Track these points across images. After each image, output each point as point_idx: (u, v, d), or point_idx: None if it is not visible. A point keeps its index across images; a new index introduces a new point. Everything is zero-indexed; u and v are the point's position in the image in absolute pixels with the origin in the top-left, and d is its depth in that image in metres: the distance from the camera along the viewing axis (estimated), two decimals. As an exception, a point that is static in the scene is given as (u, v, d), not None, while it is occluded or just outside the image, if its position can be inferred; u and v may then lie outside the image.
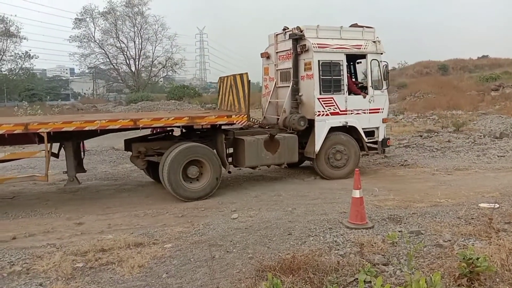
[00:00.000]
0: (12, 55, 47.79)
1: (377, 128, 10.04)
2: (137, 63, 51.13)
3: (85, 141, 8.84)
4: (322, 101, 9.35)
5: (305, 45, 9.35)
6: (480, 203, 6.97)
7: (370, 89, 9.93)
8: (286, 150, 8.98)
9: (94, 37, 49.26)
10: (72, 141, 8.05)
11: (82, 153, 8.72)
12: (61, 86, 69.00)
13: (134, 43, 50.51)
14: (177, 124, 8.26)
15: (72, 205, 7.93)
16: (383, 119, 10.13)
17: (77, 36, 48.40)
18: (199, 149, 8.13)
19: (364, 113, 9.81)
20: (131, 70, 51.66)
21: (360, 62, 10.60)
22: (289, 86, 9.76)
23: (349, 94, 9.68)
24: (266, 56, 11.07)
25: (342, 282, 4.25)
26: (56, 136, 7.53)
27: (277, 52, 10.59)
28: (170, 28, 55.92)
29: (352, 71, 10.89)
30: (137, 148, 8.28)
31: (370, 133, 10.02)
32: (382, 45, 10.03)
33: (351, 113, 9.65)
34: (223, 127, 8.84)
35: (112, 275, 4.72)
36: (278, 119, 10.09)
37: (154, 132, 9.24)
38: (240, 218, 6.74)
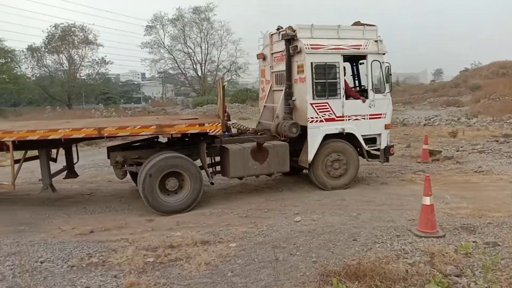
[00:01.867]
0: (89, 61, 51.36)
1: (379, 135, 9.19)
2: (203, 67, 52.97)
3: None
4: (316, 106, 8.58)
5: (297, 46, 8.63)
6: None
7: (370, 93, 9.08)
8: (275, 159, 8.36)
9: (163, 43, 51.83)
10: (46, 149, 7.84)
11: (76, 158, 8.82)
12: (133, 90, 73.05)
13: (201, 48, 52.44)
14: (144, 133, 7.74)
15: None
16: (385, 125, 9.25)
17: (148, 43, 51.25)
18: (177, 161, 7.59)
19: (364, 118, 8.98)
20: (197, 74, 53.69)
21: (363, 63, 9.61)
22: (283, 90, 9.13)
23: (347, 99, 8.91)
24: (262, 57, 10.41)
25: (411, 291, 4.10)
26: (25, 145, 7.48)
27: (272, 53, 9.93)
28: (235, 33, 57.30)
29: (356, 73, 10.15)
30: (114, 157, 7.88)
31: (371, 140, 9.21)
32: (385, 45, 9.14)
33: (348, 119, 8.85)
34: (211, 134, 8.03)
35: (180, 271, 4.92)
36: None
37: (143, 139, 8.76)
38: (303, 221, 6.72)
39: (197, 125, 7.76)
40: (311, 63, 8.50)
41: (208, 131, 7.77)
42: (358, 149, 9.13)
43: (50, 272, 4.96)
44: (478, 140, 15.29)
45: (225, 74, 54.57)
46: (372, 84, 9.12)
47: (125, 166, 7.95)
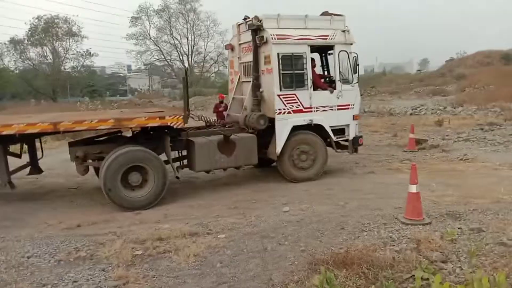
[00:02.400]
0: (74, 54, 50.59)
1: (348, 125, 9.14)
2: (190, 59, 52.52)
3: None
4: (283, 98, 8.47)
5: (263, 36, 8.47)
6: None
7: (338, 84, 8.98)
8: (243, 152, 8.25)
9: (149, 34, 51.26)
10: (3, 145, 7.57)
11: (40, 153, 8.60)
12: (119, 82, 72.21)
13: (187, 40, 52.04)
14: (102, 127, 7.52)
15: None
16: (354, 115, 9.17)
17: (134, 34, 50.77)
18: (140, 154, 7.38)
19: (332, 109, 8.91)
20: (184, 66, 53.19)
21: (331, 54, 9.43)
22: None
23: (314, 90, 8.82)
24: (230, 48, 10.22)
25: (398, 278, 4.16)
26: None
27: (240, 44, 9.74)
28: (221, 23, 56.87)
29: (325, 64, 10.05)
30: (74, 152, 7.61)
31: (340, 131, 9.17)
32: (352, 35, 9.02)
33: (316, 110, 8.76)
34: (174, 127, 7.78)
35: (169, 263, 4.91)
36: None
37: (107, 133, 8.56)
38: (291, 211, 6.75)
39: (158, 118, 7.55)
40: (278, 53, 8.36)
41: (169, 124, 7.53)
42: (328, 140, 9.06)
43: (37, 267, 4.90)
44: (464, 128, 15.49)
45: (212, 65, 54.36)
46: (340, 75, 9.02)
47: (87, 161, 7.70)
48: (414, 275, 4.12)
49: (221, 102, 11.95)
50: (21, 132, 7.15)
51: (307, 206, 6.95)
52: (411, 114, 21.95)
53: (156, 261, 4.98)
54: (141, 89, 69.14)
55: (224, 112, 10.70)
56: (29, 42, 47.51)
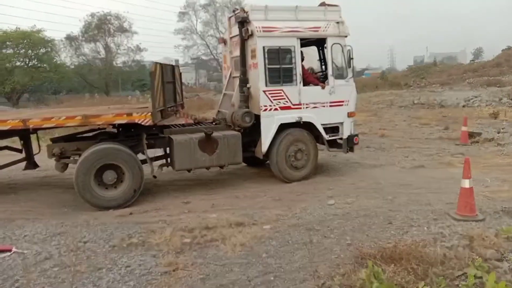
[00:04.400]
0: (125, 49, 52.33)
1: (342, 123, 8.60)
2: (235, 52, 52.83)
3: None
4: (269, 94, 8.01)
5: (248, 29, 8.04)
6: None
7: (330, 79, 8.45)
8: (226, 150, 7.86)
9: (196, 29, 52.08)
10: None
11: (37, 149, 8.58)
12: (167, 76, 73.94)
13: (233, 33, 52.20)
14: (69, 124, 7.33)
15: (179, 185, 8.58)
16: (348, 113, 8.61)
17: (181, 29, 51.72)
18: (114, 152, 7.16)
19: (324, 106, 8.38)
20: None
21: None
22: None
23: (305, 85, 8.34)
24: (222, 42, 9.81)
25: (449, 275, 4.04)
26: None
27: (231, 38, 9.28)
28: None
29: (322, 58, 9.47)
30: (51, 149, 7.44)
31: (334, 129, 8.65)
32: (347, 26, 8.44)
33: (306, 107, 8.27)
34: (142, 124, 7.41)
35: (216, 252, 5.04)
36: None
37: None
38: (337, 204, 6.68)
39: (125, 115, 7.31)
40: (263, 47, 7.90)
41: (136, 121, 7.26)
42: (324, 139, 8.61)
43: (93, 252, 5.19)
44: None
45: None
46: (333, 69, 8.51)
47: (63, 158, 7.54)
48: (466, 273, 3.99)
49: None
50: None
51: (353, 200, 6.86)
52: (463, 106, 20.96)
53: (204, 249, 5.13)
54: (188, 83, 70.64)
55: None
56: (83, 39, 49.63)
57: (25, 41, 39.47)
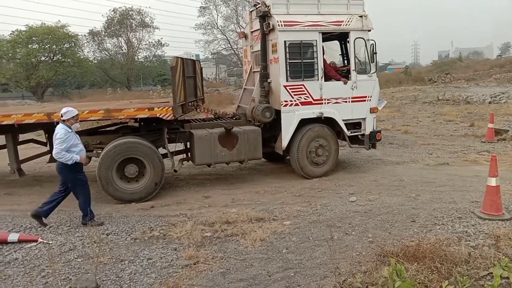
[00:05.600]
0: (146, 44, 52.89)
1: (364, 119, 8.46)
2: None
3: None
4: (290, 89, 7.91)
5: (269, 23, 7.93)
6: None
7: (353, 74, 8.30)
8: (246, 145, 7.81)
9: (216, 24, 52.08)
10: (12, 134, 7.75)
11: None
12: (188, 71, 74.40)
13: (253, 28, 52.07)
14: (92, 118, 7.43)
15: (200, 180, 8.63)
16: (371, 108, 8.45)
17: (202, 24, 51.69)
18: (136, 146, 7.17)
19: (346, 102, 8.27)
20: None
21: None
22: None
23: (326, 80, 8.19)
24: (243, 36, 9.75)
25: (474, 275, 3.95)
26: None
27: (252, 32, 9.20)
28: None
29: (345, 53, 9.26)
30: None
31: (355, 125, 8.53)
32: (370, 20, 8.25)
33: (328, 102, 8.15)
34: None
35: (237, 246, 5.05)
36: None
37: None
38: (358, 201, 6.61)
39: (147, 109, 7.36)
40: (285, 41, 7.80)
41: (157, 115, 7.29)
42: (346, 135, 8.47)
43: (115, 244, 5.27)
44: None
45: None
46: (355, 64, 8.35)
47: (86, 151, 7.56)
48: (492, 273, 3.88)
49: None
50: (19, 122, 7.27)
51: (375, 197, 6.77)
52: (490, 102, 20.39)
53: (224, 244, 5.14)
54: (208, 78, 70.96)
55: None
56: (106, 34, 50.31)
57: (50, 36, 40.27)
